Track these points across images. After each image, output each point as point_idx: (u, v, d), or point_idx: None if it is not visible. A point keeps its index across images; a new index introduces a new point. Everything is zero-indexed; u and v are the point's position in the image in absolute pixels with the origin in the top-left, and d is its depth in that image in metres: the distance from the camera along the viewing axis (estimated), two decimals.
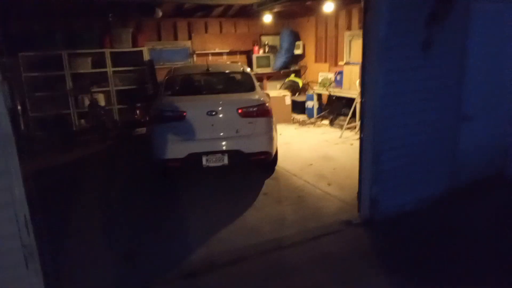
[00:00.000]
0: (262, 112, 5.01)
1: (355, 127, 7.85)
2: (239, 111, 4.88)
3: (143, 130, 8.61)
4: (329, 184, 5.13)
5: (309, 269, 3.23)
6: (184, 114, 4.78)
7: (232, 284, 3.08)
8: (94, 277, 3.26)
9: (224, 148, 4.84)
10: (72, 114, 8.52)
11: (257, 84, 5.66)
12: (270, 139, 5.07)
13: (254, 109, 4.96)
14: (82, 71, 8.49)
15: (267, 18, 9.92)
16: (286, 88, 10.41)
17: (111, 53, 8.68)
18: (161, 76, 7.48)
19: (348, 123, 7.93)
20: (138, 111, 9.21)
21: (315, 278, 3.11)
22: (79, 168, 6.52)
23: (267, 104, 5.12)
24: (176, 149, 4.78)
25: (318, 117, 9.25)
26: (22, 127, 7.96)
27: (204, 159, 4.80)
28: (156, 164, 5.01)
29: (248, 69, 6.21)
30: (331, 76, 9.13)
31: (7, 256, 2.58)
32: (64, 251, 3.68)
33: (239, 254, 3.47)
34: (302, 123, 9.01)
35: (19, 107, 7.86)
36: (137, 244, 3.80)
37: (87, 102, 8.44)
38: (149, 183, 5.56)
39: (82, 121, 8.68)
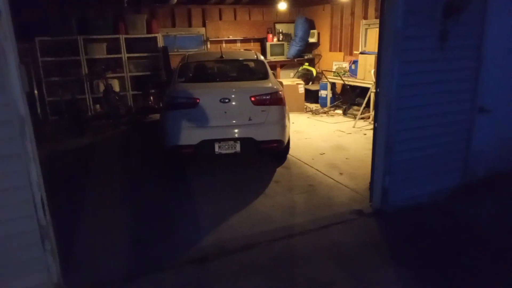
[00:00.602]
0: (275, 100, 5.00)
1: (369, 117, 7.78)
2: (252, 98, 4.88)
3: (156, 116, 8.67)
4: (341, 174, 5.11)
5: (318, 258, 3.24)
6: (197, 101, 4.79)
7: (241, 271, 3.11)
8: (105, 260, 3.31)
9: (236, 135, 4.85)
10: (87, 99, 8.64)
11: (270, 72, 5.63)
12: (283, 127, 5.07)
13: (267, 97, 4.95)
14: (97, 56, 8.59)
15: (282, 5, 9.83)
16: (299, 77, 10.35)
17: (126, 39, 8.74)
18: (174, 62, 7.50)
19: (361, 113, 7.86)
20: (151, 98, 9.28)
21: (323, 268, 3.12)
22: (92, 153, 6.61)
23: (280, 92, 5.11)
24: (189, 135, 4.81)
25: (332, 107, 9.18)
26: (39, 111, 8.10)
27: (216, 146, 4.82)
28: (168, 151, 5.05)
29: (262, 57, 6.17)
30: (345, 65, 9.05)
31: (24, 237, 2.66)
32: (75, 234, 3.75)
33: (249, 241, 3.50)
34: (315, 112, 8.95)
35: (35, 91, 7.99)
36: (148, 228, 3.85)
37: (102, 87, 8.54)
38: (161, 169, 5.62)
39: (97, 106, 8.80)
